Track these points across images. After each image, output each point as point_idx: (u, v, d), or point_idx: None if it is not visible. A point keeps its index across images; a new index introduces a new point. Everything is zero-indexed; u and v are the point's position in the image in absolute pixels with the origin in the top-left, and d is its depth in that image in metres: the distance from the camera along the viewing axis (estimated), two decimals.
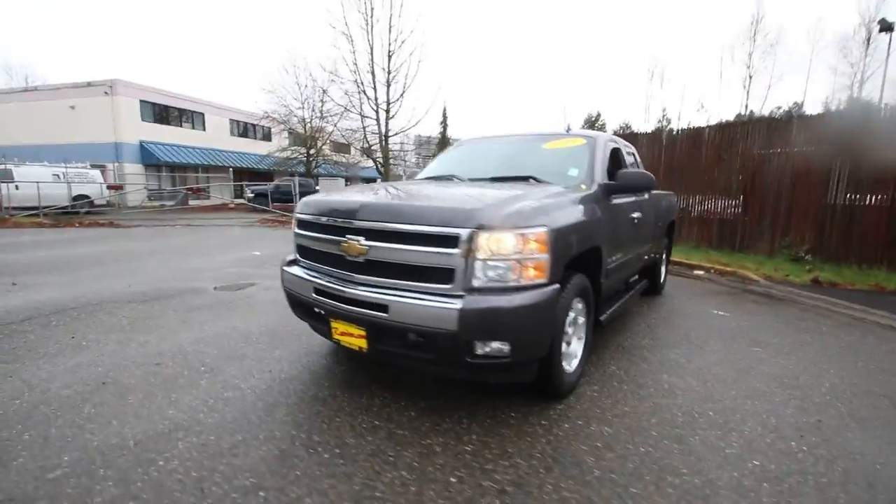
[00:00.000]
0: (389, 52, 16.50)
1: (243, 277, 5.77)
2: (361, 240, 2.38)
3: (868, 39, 34.92)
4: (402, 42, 16.36)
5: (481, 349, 2.15)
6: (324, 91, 21.74)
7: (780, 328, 4.29)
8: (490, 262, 2.14)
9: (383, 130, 17.23)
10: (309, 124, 23.96)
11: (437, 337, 2.16)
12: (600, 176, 3.25)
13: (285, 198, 20.38)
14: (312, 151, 24.87)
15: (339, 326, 2.50)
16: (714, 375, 3.08)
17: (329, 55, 41.04)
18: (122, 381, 2.75)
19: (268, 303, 4.54)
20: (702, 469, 2.03)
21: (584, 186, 3.07)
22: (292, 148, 25.81)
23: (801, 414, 2.58)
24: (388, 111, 17.07)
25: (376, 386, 2.78)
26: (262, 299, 4.70)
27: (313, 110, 23.58)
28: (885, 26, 17.66)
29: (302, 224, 2.85)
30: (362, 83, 16.68)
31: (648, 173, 3.24)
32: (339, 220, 2.52)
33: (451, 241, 2.15)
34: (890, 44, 18.18)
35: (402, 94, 16.86)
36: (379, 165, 17.94)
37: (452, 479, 1.91)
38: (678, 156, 9.72)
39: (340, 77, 17.25)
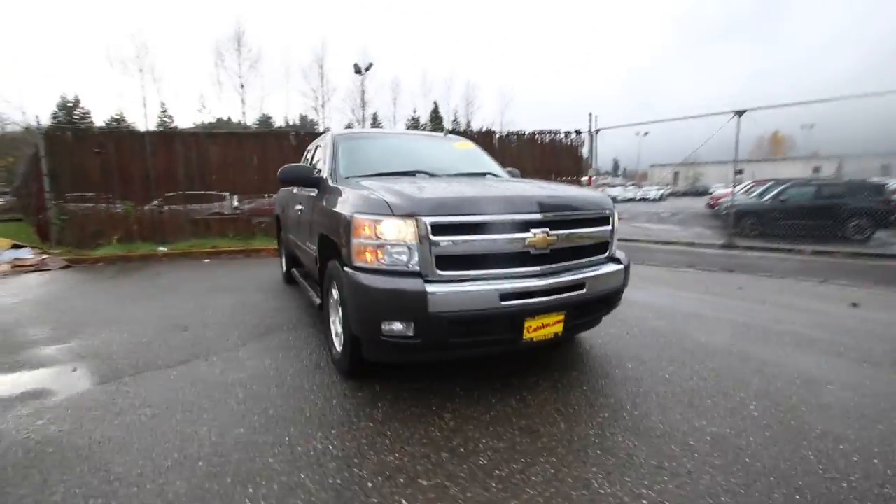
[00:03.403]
0: None
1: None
2: (549, 230, 2.50)
3: (321, 73, 47.11)
4: None
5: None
6: None
7: None
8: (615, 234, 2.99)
9: None
10: None
11: (614, 295, 2.81)
12: None
13: None
14: None
15: (533, 324, 2.46)
16: None
17: None
18: None
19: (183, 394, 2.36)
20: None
21: None
22: None
23: None
24: None
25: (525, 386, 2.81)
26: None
27: None
28: (357, 70, 25.24)
29: (447, 228, 2.30)
30: None
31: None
32: (522, 215, 2.43)
33: (607, 220, 2.83)
34: (363, 81, 26.52)
35: None
36: None
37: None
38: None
39: None
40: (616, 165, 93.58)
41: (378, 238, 2.34)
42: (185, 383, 2.83)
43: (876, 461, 1.92)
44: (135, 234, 10.01)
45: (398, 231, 2.30)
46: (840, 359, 3.05)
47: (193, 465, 1.97)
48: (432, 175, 3.43)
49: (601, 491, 1.75)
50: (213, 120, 44.78)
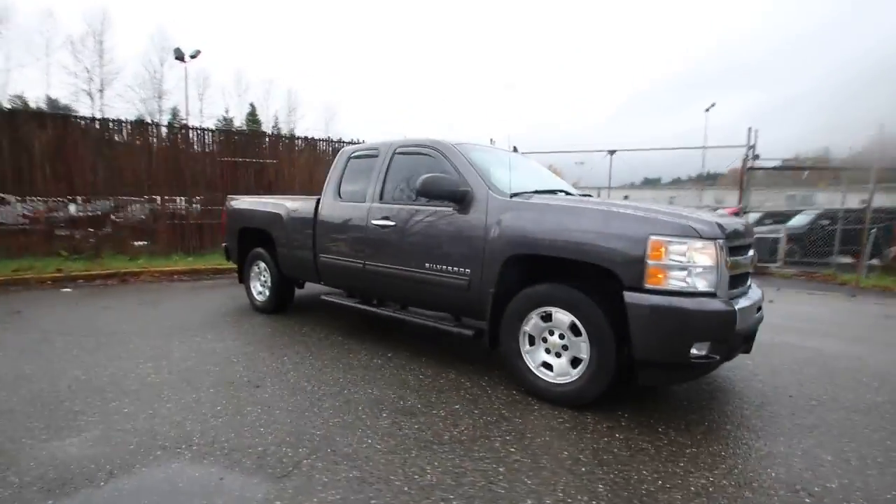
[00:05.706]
0: None
1: None
2: (749, 254, 2.92)
3: (101, 51, 37.34)
4: None
5: None
6: None
7: None
8: None
9: None
10: None
11: None
12: None
13: None
14: None
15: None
16: None
17: None
18: None
19: None
20: None
21: None
22: None
23: None
24: None
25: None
26: None
27: None
28: (179, 55, 21.00)
29: (731, 251, 2.50)
30: None
31: None
32: (744, 240, 2.80)
33: None
34: (186, 69, 21.83)
35: None
36: None
37: None
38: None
39: None
40: None
41: (681, 261, 2.35)
42: (415, 457, 2.18)
43: None
44: None
45: (707, 254, 2.35)
46: (826, 338, 4.33)
47: None
48: (568, 194, 3.51)
49: None
50: None
